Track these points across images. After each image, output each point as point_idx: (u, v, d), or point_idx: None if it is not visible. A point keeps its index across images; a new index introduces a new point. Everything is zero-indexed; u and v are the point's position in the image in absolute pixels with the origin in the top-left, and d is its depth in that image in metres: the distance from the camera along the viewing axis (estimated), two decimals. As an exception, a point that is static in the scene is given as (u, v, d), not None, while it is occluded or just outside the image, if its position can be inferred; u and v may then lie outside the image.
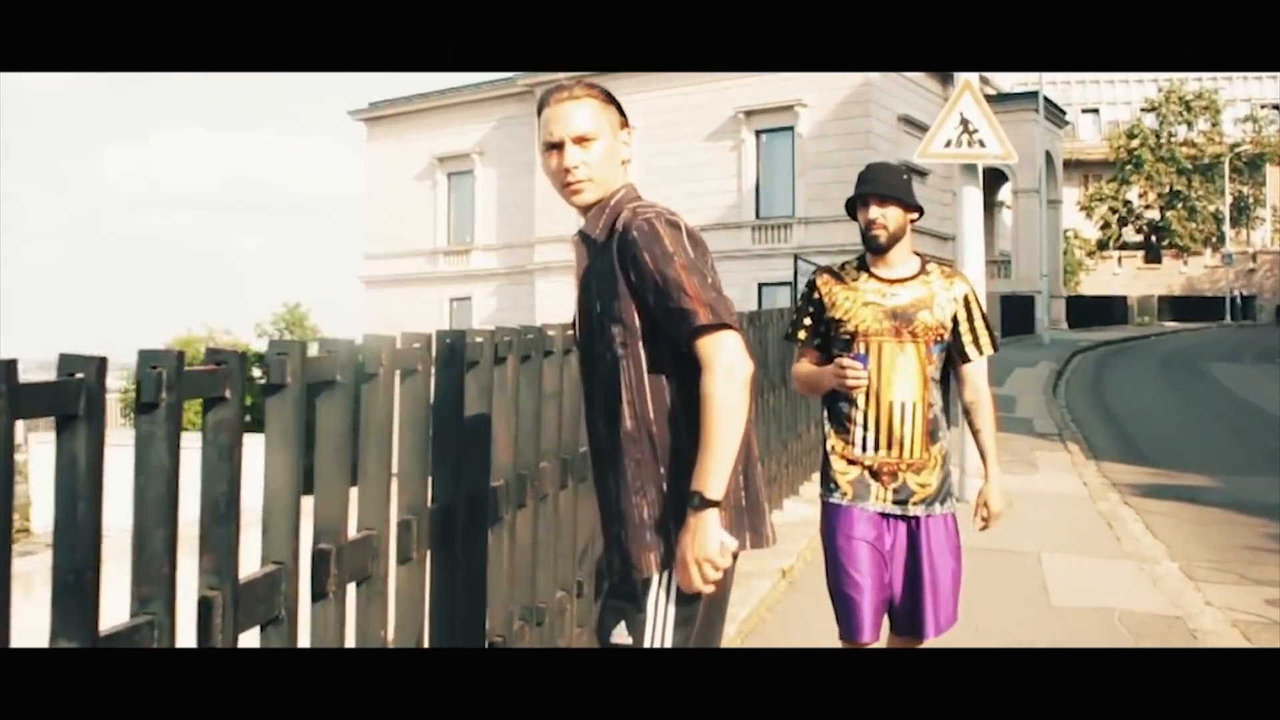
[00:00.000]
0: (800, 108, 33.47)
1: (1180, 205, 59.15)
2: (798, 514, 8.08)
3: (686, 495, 2.42)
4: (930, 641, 3.66)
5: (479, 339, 3.50)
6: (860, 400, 3.66)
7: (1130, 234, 61.20)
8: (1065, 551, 7.66)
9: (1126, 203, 60.52)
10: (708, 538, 2.39)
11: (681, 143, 35.11)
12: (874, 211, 3.68)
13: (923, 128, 26.80)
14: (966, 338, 3.76)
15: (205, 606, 2.27)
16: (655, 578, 2.51)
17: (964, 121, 8.82)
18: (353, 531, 2.79)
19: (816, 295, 3.79)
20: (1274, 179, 60.33)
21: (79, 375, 1.91)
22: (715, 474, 2.39)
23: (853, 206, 3.79)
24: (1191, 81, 60.58)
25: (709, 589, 2.43)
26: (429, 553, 3.19)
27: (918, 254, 3.85)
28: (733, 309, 2.47)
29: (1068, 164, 54.56)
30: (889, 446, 3.66)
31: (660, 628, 2.51)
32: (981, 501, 3.85)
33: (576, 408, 4.32)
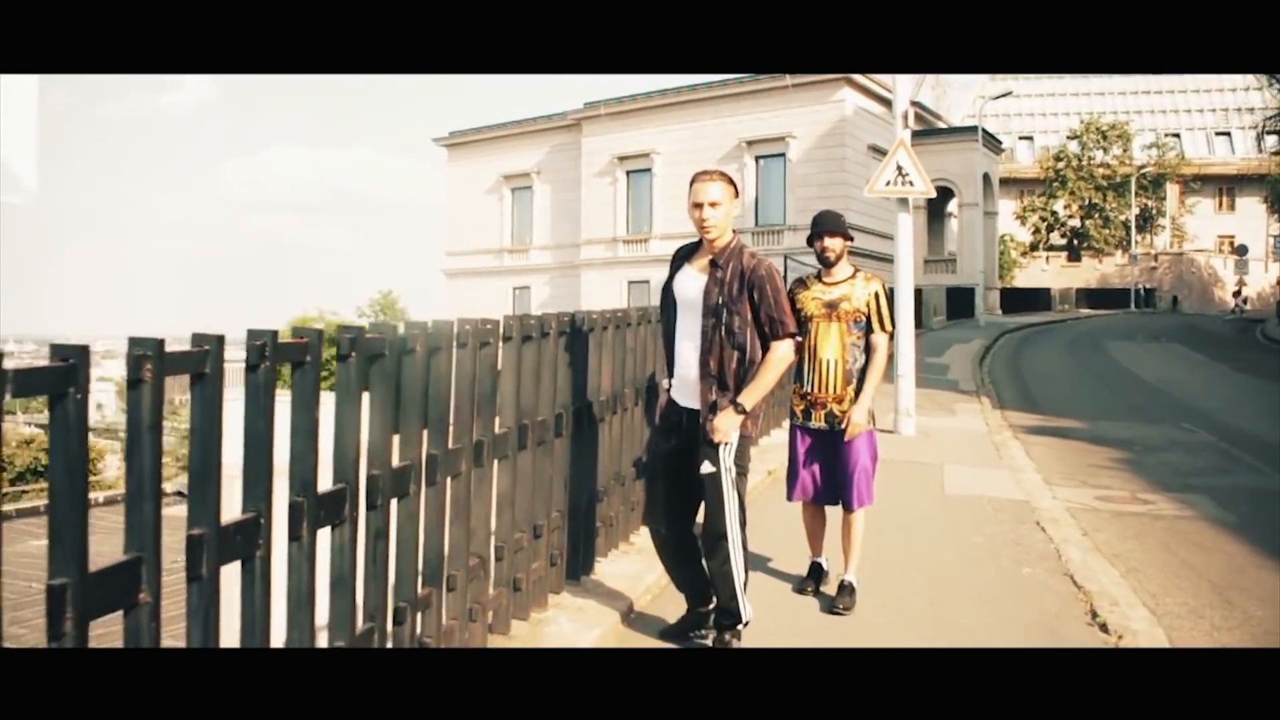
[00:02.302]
0: (790, 138, 34.07)
1: (1097, 215, 59.26)
2: (781, 439, 9.54)
3: (734, 400, 3.92)
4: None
5: (594, 314, 4.94)
6: (806, 358, 4.94)
7: (1056, 238, 61.09)
8: (961, 464, 8.95)
9: (1053, 213, 60.50)
10: (732, 423, 3.90)
11: (696, 165, 34.78)
12: (827, 242, 4.92)
13: (885, 153, 27.74)
14: (874, 320, 4.92)
15: (343, 491, 3.13)
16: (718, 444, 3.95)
17: (899, 168, 10.22)
18: (542, 415, 4.30)
19: (793, 295, 4.99)
20: (1172, 194, 60.35)
21: (206, 347, 2.24)
22: (753, 397, 3.92)
23: (810, 239, 5.04)
24: (1108, 115, 61.04)
25: (724, 442, 3.92)
26: (569, 433, 4.68)
27: (853, 265, 5.05)
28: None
29: (1006, 181, 55.01)
30: (820, 387, 4.91)
31: (728, 466, 3.94)
32: (850, 416, 4.83)
33: (643, 359, 5.78)
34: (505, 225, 43.12)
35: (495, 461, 3.91)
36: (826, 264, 4.98)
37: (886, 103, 32.22)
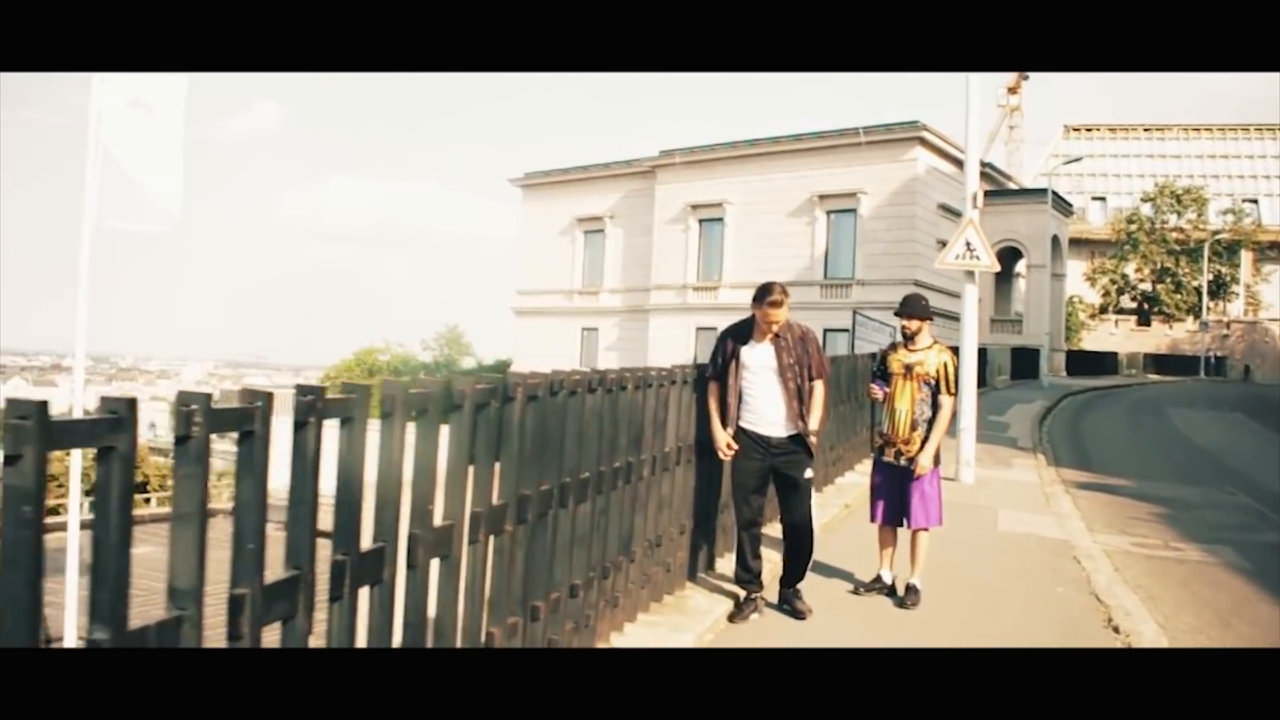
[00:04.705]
0: (862, 194, 35.49)
1: (1168, 280, 59.39)
2: (852, 480, 11.01)
3: (807, 430, 5.56)
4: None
5: (671, 369, 6.35)
6: (886, 407, 6.45)
7: (1126, 301, 61.42)
8: (1013, 509, 10.29)
9: (1124, 276, 60.82)
10: (814, 445, 5.52)
11: (768, 217, 37.26)
12: (905, 322, 6.39)
13: (955, 212, 29.13)
14: (942, 384, 6.33)
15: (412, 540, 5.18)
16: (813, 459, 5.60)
17: (968, 244, 11.71)
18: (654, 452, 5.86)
19: (881, 356, 6.54)
20: (1247, 261, 60.61)
21: (258, 404, 2.29)
22: (816, 423, 5.57)
23: (896, 312, 6.53)
24: (1183, 179, 61.56)
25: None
26: (699, 459, 6.21)
27: (933, 337, 6.45)
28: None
29: (1077, 241, 55.55)
30: (893, 430, 6.39)
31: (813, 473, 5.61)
32: (918, 459, 6.19)
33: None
34: (577, 267, 44.83)
35: (661, 472, 5.47)
36: (908, 338, 6.42)
37: (958, 162, 33.55)
